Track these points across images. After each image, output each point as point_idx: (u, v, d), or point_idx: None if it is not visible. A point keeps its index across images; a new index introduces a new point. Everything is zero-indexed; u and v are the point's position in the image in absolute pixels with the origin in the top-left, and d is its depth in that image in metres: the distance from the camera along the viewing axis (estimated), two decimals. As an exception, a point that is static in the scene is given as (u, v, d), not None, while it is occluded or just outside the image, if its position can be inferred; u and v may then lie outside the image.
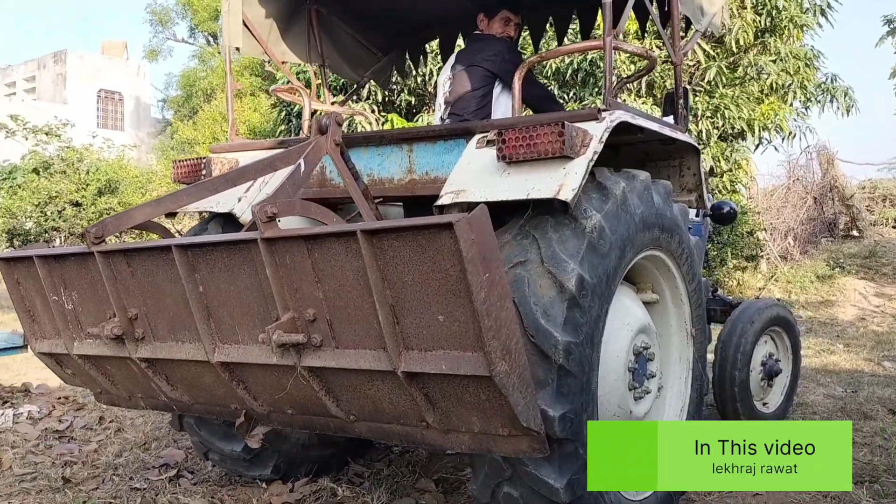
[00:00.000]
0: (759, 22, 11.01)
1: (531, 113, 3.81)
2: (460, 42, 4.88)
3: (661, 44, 9.00)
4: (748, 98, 11.16)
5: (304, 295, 2.16)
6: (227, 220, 3.33)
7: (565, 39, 4.91)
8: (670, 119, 3.59)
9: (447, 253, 1.87)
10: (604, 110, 2.75)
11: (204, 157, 3.52)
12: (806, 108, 12.62)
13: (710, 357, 4.11)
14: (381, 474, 3.76)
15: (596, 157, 2.60)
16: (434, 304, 1.96)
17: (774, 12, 10.90)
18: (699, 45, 10.58)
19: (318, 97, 4.63)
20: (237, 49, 3.84)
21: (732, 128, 11.20)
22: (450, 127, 3.23)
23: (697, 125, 10.72)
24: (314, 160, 2.79)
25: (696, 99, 10.91)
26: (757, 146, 12.44)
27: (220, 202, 3.18)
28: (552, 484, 2.45)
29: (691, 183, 3.63)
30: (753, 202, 13.96)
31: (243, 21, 3.76)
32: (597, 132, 2.64)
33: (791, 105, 11.76)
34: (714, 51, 10.92)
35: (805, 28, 11.39)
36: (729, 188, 11.11)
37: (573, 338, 2.45)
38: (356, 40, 4.70)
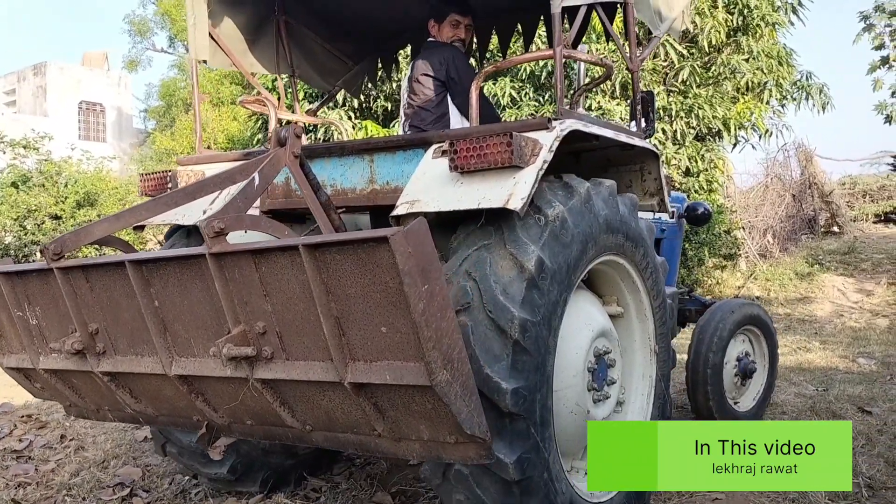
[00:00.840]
0: (732, 21, 11.04)
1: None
2: None
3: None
4: (723, 97, 11.19)
5: (254, 308, 2.18)
6: (192, 233, 3.32)
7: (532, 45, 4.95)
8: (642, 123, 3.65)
9: (385, 266, 1.89)
10: (554, 119, 2.79)
11: (170, 171, 3.54)
12: (782, 106, 12.68)
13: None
14: (339, 488, 3.71)
15: (546, 165, 2.64)
16: (376, 316, 1.98)
17: (746, 11, 10.94)
18: (672, 46, 10.61)
19: (289, 107, 4.63)
20: (204, 62, 3.78)
21: (709, 128, 11.22)
22: (408, 137, 3.25)
23: (672, 125, 10.73)
24: (270, 173, 2.79)
25: (671, 99, 10.93)
26: (734, 145, 12.47)
27: (185, 215, 3.17)
28: (502, 459, 2.45)
29: (653, 187, 3.67)
30: (731, 201, 14.00)
31: (210, 34, 3.71)
32: (547, 141, 2.67)
33: (767, 103, 11.80)
34: (688, 51, 10.94)
35: (777, 26, 11.44)
36: (706, 188, 11.12)
37: (530, 316, 2.51)
38: (326, 49, 4.68)
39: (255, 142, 13.53)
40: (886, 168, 20.85)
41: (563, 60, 2.99)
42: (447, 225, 2.77)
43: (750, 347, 4.90)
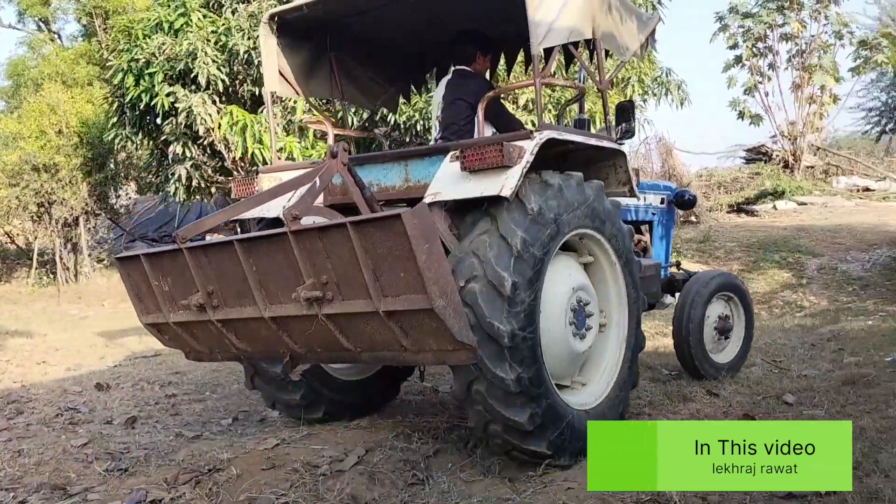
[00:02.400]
0: (597, 16, 11.32)
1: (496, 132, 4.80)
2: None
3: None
4: (589, 91, 11.48)
5: (319, 267, 3.16)
6: (271, 223, 4.35)
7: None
8: (624, 126, 4.62)
9: (400, 233, 2.84)
10: (535, 131, 3.78)
11: (259, 176, 4.70)
12: (644, 101, 13.18)
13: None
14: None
15: (528, 164, 3.64)
16: (397, 266, 2.92)
17: (610, 7, 11.24)
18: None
19: (339, 124, 5.62)
20: (272, 93, 4.92)
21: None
22: (434, 147, 4.32)
23: (542, 118, 10.89)
24: (327, 178, 3.87)
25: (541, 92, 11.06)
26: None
27: (269, 209, 4.27)
28: (504, 378, 3.55)
29: (624, 178, 4.64)
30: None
31: (279, 69, 4.87)
32: (529, 147, 3.67)
33: (630, 98, 12.22)
34: (555, 44, 11.13)
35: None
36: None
37: (517, 278, 3.58)
38: (368, 76, 5.62)
39: (110, 125, 12.71)
40: (740, 161, 22.28)
41: (542, 87, 4.04)
42: (464, 210, 3.87)
43: (728, 310, 5.89)
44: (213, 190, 13.79)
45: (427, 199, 3.69)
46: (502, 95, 6.47)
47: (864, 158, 22.22)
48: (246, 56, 11.69)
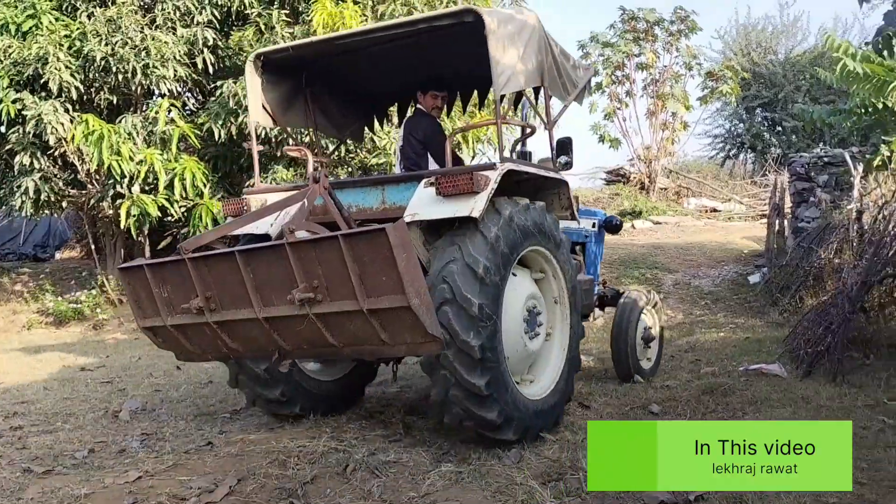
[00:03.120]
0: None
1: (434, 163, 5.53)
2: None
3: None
4: (463, 112, 11.65)
5: (311, 272, 3.61)
6: (252, 240, 4.83)
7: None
8: (564, 158, 5.44)
9: (384, 243, 3.35)
10: (498, 164, 4.43)
11: (244, 198, 5.25)
12: (513, 122, 13.53)
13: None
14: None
15: (493, 191, 4.27)
16: (380, 271, 3.42)
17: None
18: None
19: (313, 151, 6.08)
20: (258, 122, 5.56)
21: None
22: (407, 175, 5.03)
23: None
24: (312, 199, 4.31)
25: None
26: (473, 157, 13.09)
27: (257, 227, 4.85)
28: (476, 383, 4.15)
29: (566, 204, 5.38)
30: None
31: (262, 103, 5.48)
32: (493, 177, 4.32)
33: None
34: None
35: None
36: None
37: (482, 300, 4.14)
38: (338, 111, 6.29)
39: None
40: (601, 182, 23.41)
41: (503, 126, 4.88)
42: (436, 230, 4.52)
43: (650, 321, 6.64)
44: (64, 204, 12.86)
45: (406, 219, 4.23)
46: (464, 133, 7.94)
47: (711, 181, 23.96)
48: (103, 63, 11.03)
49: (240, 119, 11.13)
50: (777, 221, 12.50)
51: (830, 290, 7.60)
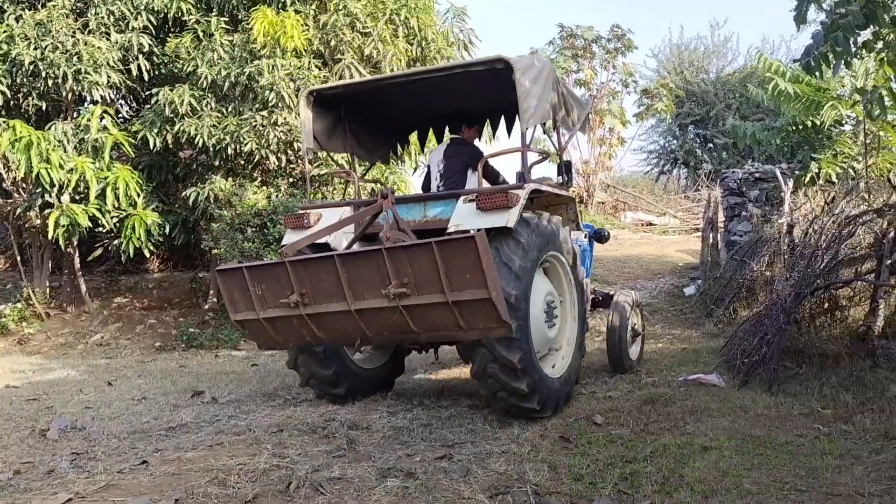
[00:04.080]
0: (411, 52, 11.57)
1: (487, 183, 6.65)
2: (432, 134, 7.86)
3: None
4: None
5: (402, 272, 4.44)
6: (320, 248, 5.77)
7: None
8: (565, 177, 6.47)
9: (471, 247, 4.20)
10: (526, 184, 5.43)
11: (304, 212, 6.06)
12: (455, 135, 13.59)
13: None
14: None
15: (523, 205, 5.22)
16: (466, 269, 4.27)
17: (424, 43, 11.54)
18: (357, 71, 10.83)
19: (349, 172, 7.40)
20: (308, 149, 6.49)
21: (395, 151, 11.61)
22: (447, 193, 5.94)
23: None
24: (381, 213, 5.42)
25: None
26: (414, 170, 13.09)
27: (326, 239, 5.80)
28: (511, 359, 5.01)
29: (573, 216, 6.65)
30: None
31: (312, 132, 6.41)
32: (522, 194, 5.26)
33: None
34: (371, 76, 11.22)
35: (451, 60, 12.26)
36: (389, 209, 11.44)
37: (516, 292, 5.02)
38: (370, 138, 7.29)
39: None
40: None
41: (525, 156, 5.80)
42: None
43: (636, 319, 7.52)
44: (-13, 213, 12.32)
45: (451, 229, 5.17)
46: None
47: (646, 196, 24.55)
48: (32, 67, 10.63)
49: (176, 127, 10.86)
50: (711, 235, 12.86)
51: (763, 302, 7.83)
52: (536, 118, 5.61)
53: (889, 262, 5.72)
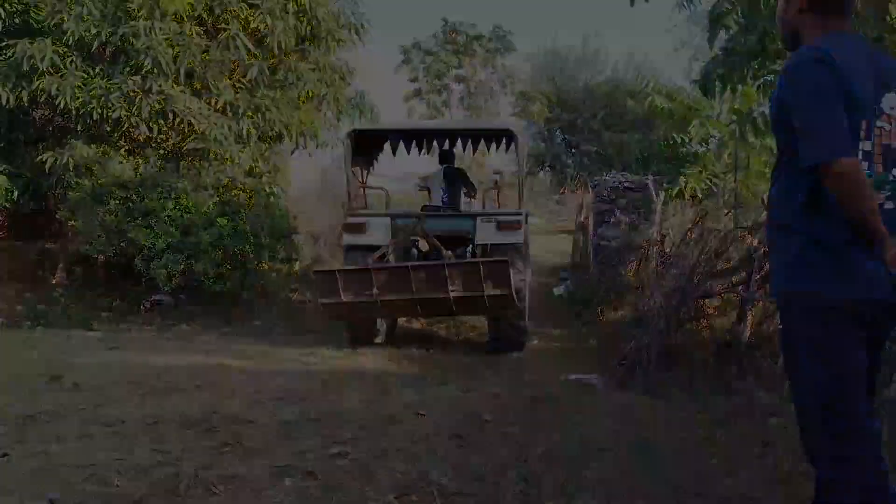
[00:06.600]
0: (301, 29, 11.19)
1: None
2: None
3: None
4: (288, 102, 11.26)
5: (454, 277, 7.40)
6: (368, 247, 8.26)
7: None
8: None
9: (504, 264, 7.43)
10: (524, 211, 8.65)
11: (361, 219, 8.26)
12: (338, 119, 13.31)
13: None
14: None
15: (527, 226, 8.57)
16: (497, 276, 7.33)
17: (314, 21, 11.20)
18: (243, 43, 10.35)
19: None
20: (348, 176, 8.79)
21: (272, 129, 11.18)
22: (464, 213, 8.86)
23: (239, 123, 10.39)
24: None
25: (237, 96, 10.60)
26: (293, 151, 12.68)
27: (374, 238, 8.22)
28: (520, 325, 8.30)
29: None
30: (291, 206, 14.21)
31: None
32: (522, 219, 8.26)
33: (325, 114, 12.26)
34: (256, 49, 10.75)
35: (341, 43, 11.96)
36: (268, 191, 11.04)
37: (521, 286, 7.97)
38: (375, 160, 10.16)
39: None
40: (415, 186, 23.73)
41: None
42: (496, 248, 8.11)
43: None
44: None
45: (478, 241, 8.01)
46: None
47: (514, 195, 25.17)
48: None
49: (34, 85, 9.90)
50: (581, 238, 13.38)
51: (635, 306, 8.24)
52: (526, 163, 9.50)
53: (758, 276, 6.16)
